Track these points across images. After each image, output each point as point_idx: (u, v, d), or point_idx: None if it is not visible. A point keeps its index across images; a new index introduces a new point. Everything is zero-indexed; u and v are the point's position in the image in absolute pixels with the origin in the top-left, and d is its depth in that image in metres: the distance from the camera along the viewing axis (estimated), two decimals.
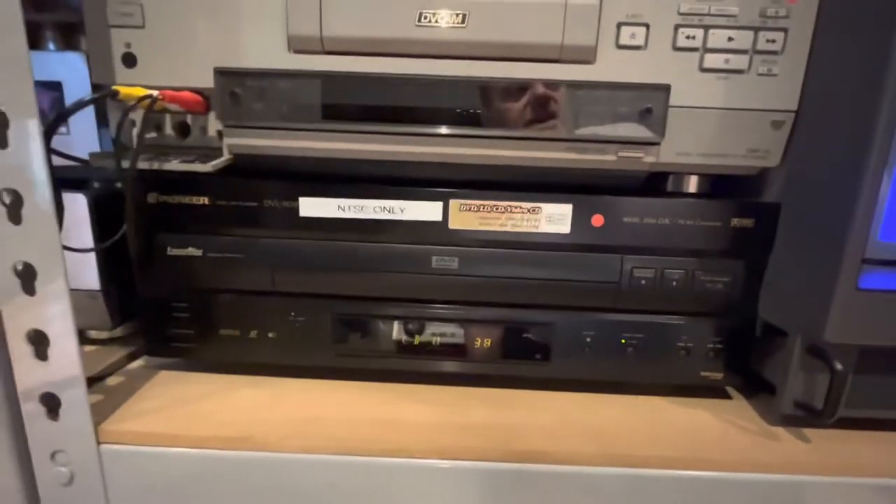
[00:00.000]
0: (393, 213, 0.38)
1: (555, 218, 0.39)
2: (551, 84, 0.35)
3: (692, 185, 0.41)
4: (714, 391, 0.42)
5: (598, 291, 0.39)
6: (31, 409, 0.34)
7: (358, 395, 0.41)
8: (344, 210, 0.38)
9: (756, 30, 0.35)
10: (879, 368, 0.36)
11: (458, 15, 0.34)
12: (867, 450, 0.36)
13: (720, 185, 0.41)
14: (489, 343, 0.41)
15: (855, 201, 0.31)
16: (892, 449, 0.36)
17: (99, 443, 0.35)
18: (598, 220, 0.38)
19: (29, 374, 0.34)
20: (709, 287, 0.39)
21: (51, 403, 0.34)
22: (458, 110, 0.36)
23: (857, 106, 0.32)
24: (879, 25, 0.30)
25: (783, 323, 0.37)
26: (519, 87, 0.36)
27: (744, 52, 0.35)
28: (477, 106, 0.36)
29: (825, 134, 0.34)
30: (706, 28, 0.35)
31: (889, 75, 0.29)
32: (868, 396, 0.37)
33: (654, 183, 0.41)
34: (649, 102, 0.35)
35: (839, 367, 0.34)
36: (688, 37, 0.35)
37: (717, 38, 0.35)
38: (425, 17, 0.34)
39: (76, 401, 0.34)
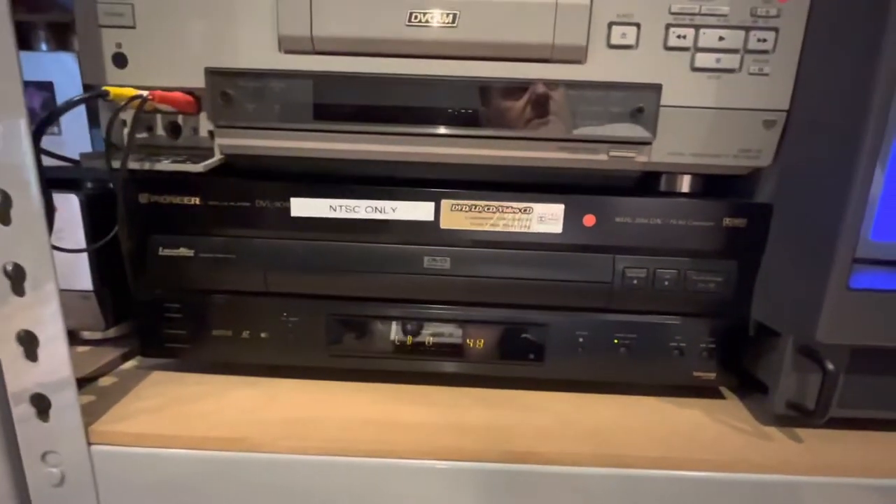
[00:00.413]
0: (384, 213, 0.38)
1: (547, 218, 0.38)
2: (542, 84, 0.35)
3: (685, 184, 0.41)
4: (707, 391, 0.42)
5: (590, 292, 0.39)
6: (22, 410, 0.34)
7: (352, 396, 0.41)
8: (335, 210, 0.38)
9: (747, 29, 0.35)
10: (871, 368, 0.36)
11: (448, 15, 0.34)
12: (859, 450, 0.36)
13: (713, 185, 0.41)
14: (482, 344, 0.41)
15: (846, 200, 0.31)
16: (884, 449, 0.36)
17: (90, 444, 0.35)
18: (589, 220, 0.38)
19: (19, 375, 0.33)
20: (701, 287, 0.39)
21: (41, 404, 0.34)
22: (449, 110, 0.36)
23: (847, 105, 0.32)
24: (869, 24, 0.30)
25: (775, 323, 0.37)
26: (509, 87, 0.36)
27: (735, 51, 0.35)
28: (468, 106, 0.36)
29: (816, 133, 0.34)
30: (697, 27, 0.35)
31: (879, 74, 0.29)
32: (860, 396, 0.37)
33: (647, 182, 0.41)
34: (641, 102, 0.35)
35: (831, 367, 0.34)
36: (679, 36, 0.35)
37: (708, 37, 0.35)
38: (415, 17, 0.34)
39: (66, 402, 0.34)
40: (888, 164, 0.31)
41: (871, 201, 0.31)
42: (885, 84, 0.30)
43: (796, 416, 0.36)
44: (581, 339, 0.40)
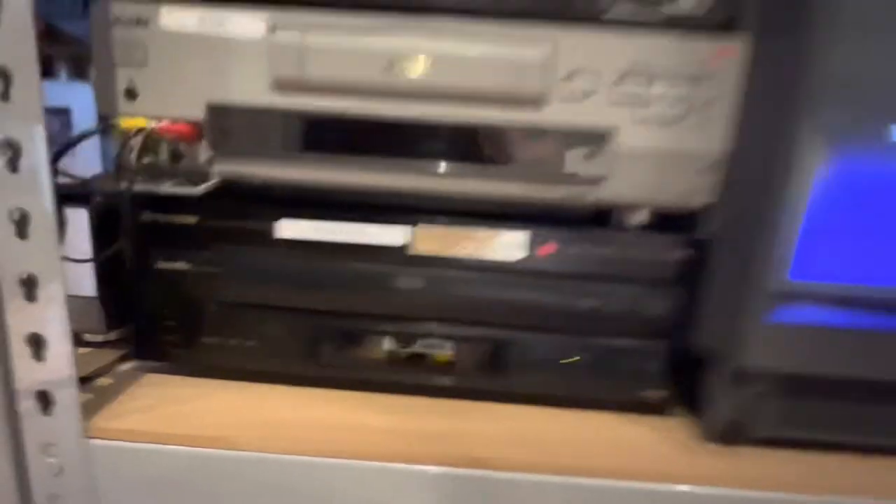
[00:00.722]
0: (364, 236, 0.42)
1: (510, 245, 0.42)
2: (504, 126, 0.40)
3: (637, 217, 0.44)
4: (656, 409, 0.45)
5: (549, 314, 0.43)
6: (27, 406, 0.38)
7: (328, 402, 0.44)
8: (319, 232, 0.42)
9: (692, 82, 0.39)
10: (802, 392, 0.39)
11: (422, 63, 0.38)
12: (786, 467, 0.39)
13: (666, 218, 0.45)
14: (447, 358, 0.44)
15: (764, 244, 0.35)
16: (809, 467, 0.40)
17: (87, 437, 0.39)
18: (549, 249, 0.42)
19: (27, 373, 0.37)
20: (651, 313, 0.42)
21: (45, 401, 0.38)
22: (423, 146, 0.41)
23: (768, 154, 0.36)
24: (788, 80, 0.34)
25: (710, 349, 0.40)
26: (477, 128, 0.40)
27: (680, 102, 0.39)
28: (439, 143, 0.40)
29: (744, 179, 0.38)
30: (647, 79, 0.39)
31: (795, 125, 0.33)
32: (792, 418, 0.40)
33: (604, 214, 0.45)
34: (593, 145, 0.39)
35: (756, 391, 0.37)
36: (630, 86, 0.39)
37: (657, 89, 0.39)
38: (394, 65, 0.38)
39: (68, 399, 0.38)
40: (805, 212, 0.35)
41: (788, 245, 0.35)
42: (804, 139, 0.34)
43: (733, 435, 0.40)
44: (539, 357, 0.44)
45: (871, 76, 0.33)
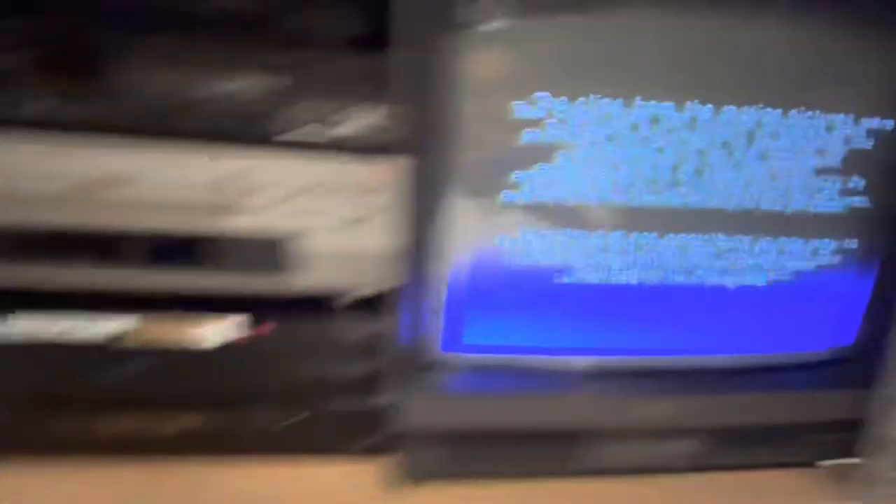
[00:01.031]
0: (86, 328, 0.47)
1: (231, 328, 0.49)
2: (206, 232, 0.46)
3: (345, 300, 0.52)
4: (369, 454, 0.52)
5: (271, 383, 0.51)
6: None
7: (70, 476, 0.49)
8: (38, 327, 0.46)
9: (365, 193, 0.47)
10: (463, 439, 0.49)
11: (123, 180, 0.44)
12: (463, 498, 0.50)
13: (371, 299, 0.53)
14: (175, 429, 0.50)
15: (418, 322, 0.45)
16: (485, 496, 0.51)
17: None
18: (264, 329, 0.49)
19: None
20: (357, 377, 0.51)
21: None
22: (137, 250, 0.46)
23: (420, 252, 0.45)
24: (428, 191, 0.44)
25: (390, 407, 0.49)
26: (184, 234, 0.46)
27: (356, 209, 0.47)
28: (152, 247, 0.46)
29: (408, 270, 0.47)
30: (327, 191, 0.46)
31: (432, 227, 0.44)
32: (457, 459, 0.50)
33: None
34: (284, 247, 0.47)
35: (426, 440, 0.47)
36: (311, 197, 0.46)
37: (336, 199, 0.47)
38: (97, 181, 0.43)
39: None
40: (447, 297, 0.45)
41: (436, 324, 0.45)
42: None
43: (412, 476, 0.50)
44: (268, 420, 0.51)
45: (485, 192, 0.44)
